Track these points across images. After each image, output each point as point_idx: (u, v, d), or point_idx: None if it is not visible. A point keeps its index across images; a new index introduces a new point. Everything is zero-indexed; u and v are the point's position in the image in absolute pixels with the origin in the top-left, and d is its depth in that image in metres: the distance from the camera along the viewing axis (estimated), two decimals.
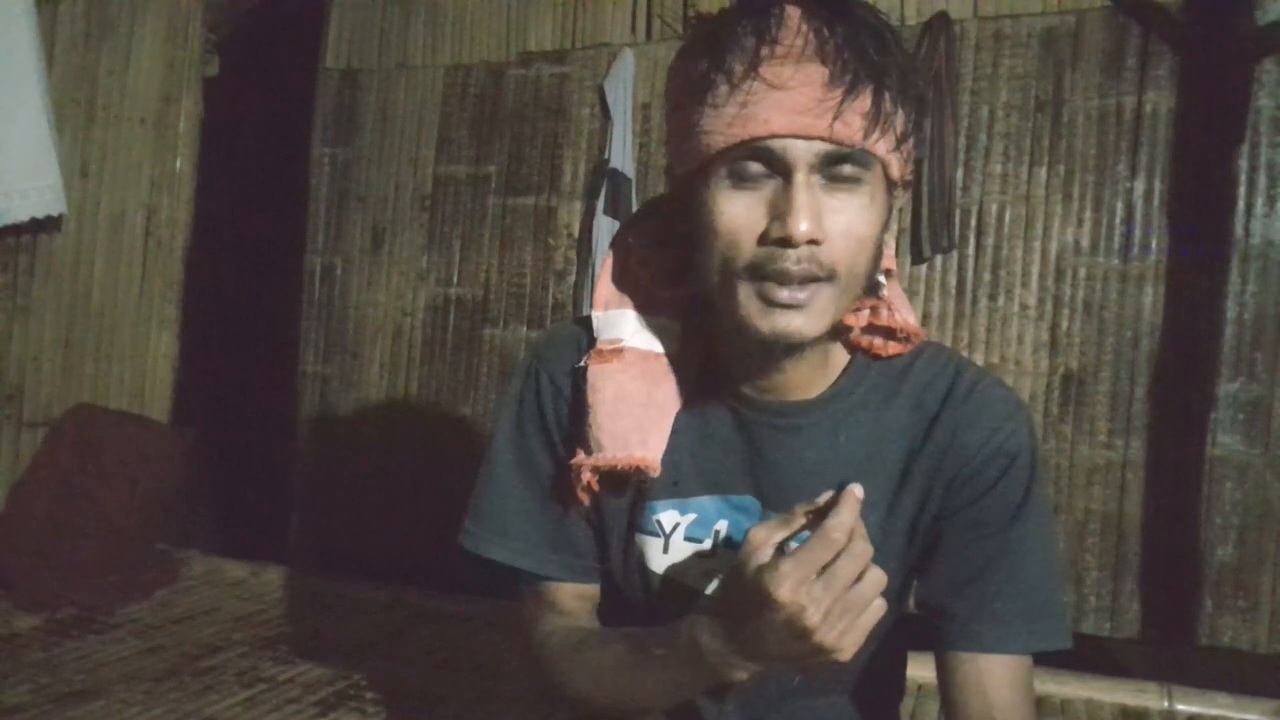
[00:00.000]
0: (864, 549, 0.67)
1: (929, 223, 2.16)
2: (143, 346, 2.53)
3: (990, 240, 2.18)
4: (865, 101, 0.70)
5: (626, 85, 2.43)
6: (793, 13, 0.71)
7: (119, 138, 2.51)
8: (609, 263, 0.91)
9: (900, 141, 0.74)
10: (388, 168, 2.71)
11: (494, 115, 2.61)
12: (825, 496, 0.71)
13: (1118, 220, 2.10)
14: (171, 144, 2.53)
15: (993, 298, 2.17)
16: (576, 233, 2.50)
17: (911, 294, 2.21)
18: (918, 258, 2.20)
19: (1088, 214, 2.12)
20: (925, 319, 2.21)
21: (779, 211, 0.71)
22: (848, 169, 0.72)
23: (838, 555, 0.66)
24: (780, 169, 0.72)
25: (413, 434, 2.65)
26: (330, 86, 2.76)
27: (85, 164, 2.49)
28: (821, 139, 0.70)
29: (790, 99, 0.70)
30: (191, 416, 2.63)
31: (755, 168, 0.72)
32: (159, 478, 2.34)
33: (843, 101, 0.70)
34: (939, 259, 2.20)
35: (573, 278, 2.51)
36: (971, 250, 2.19)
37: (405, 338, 2.68)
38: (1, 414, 2.45)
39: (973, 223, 2.19)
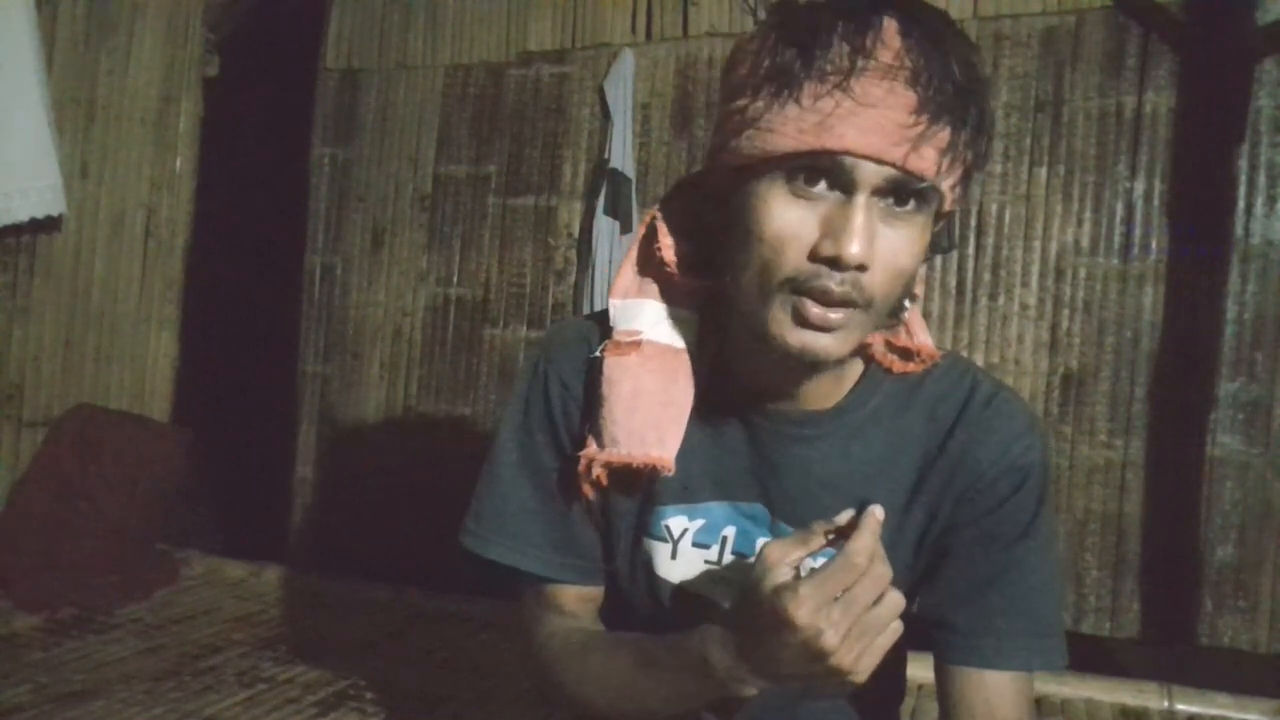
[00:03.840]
0: (884, 572, 0.67)
1: None
2: (143, 346, 2.53)
3: (990, 240, 2.18)
4: (944, 136, 0.68)
5: (626, 85, 2.43)
6: (890, 27, 0.67)
7: (119, 138, 2.51)
8: (636, 247, 0.88)
9: (964, 177, 0.72)
10: (388, 168, 2.71)
11: (494, 115, 2.61)
12: (845, 516, 0.71)
13: (1118, 220, 2.10)
14: (171, 144, 2.53)
15: (993, 298, 2.17)
16: (576, 233, 2.50)
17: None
18: None
19: (1088, 214, 2.12)
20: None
21: (833, 229, 0.68)
22: (906, 197, 0.69)
23: (858, 578, 0.66)
24: (844, 186, 0.69)
25: (413, 434, 2.65)
26: (330, 86, 2.76)
27: (85, 164, 2.49)
28: (894, 166, 0.67)
29: (874, 119, 0.66)
30: (191, 416, 2.63)
31: (814, 177, 0.69)
32: (159, 478, 2.34)
33: (925, 131, 0.67)
34: (939, 259, 2.20)
35: (573, 278, 2.51)
36: (971, 250, 2.19)
37: (405, 338, 2.68)
38: (1, 414, 2.45)
39: (973, 223, 2.19)
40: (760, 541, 0.83)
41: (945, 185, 0.70)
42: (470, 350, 2.62)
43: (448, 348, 2.64)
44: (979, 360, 2.15)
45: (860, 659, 0.66)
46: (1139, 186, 2.09)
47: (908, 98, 0.66)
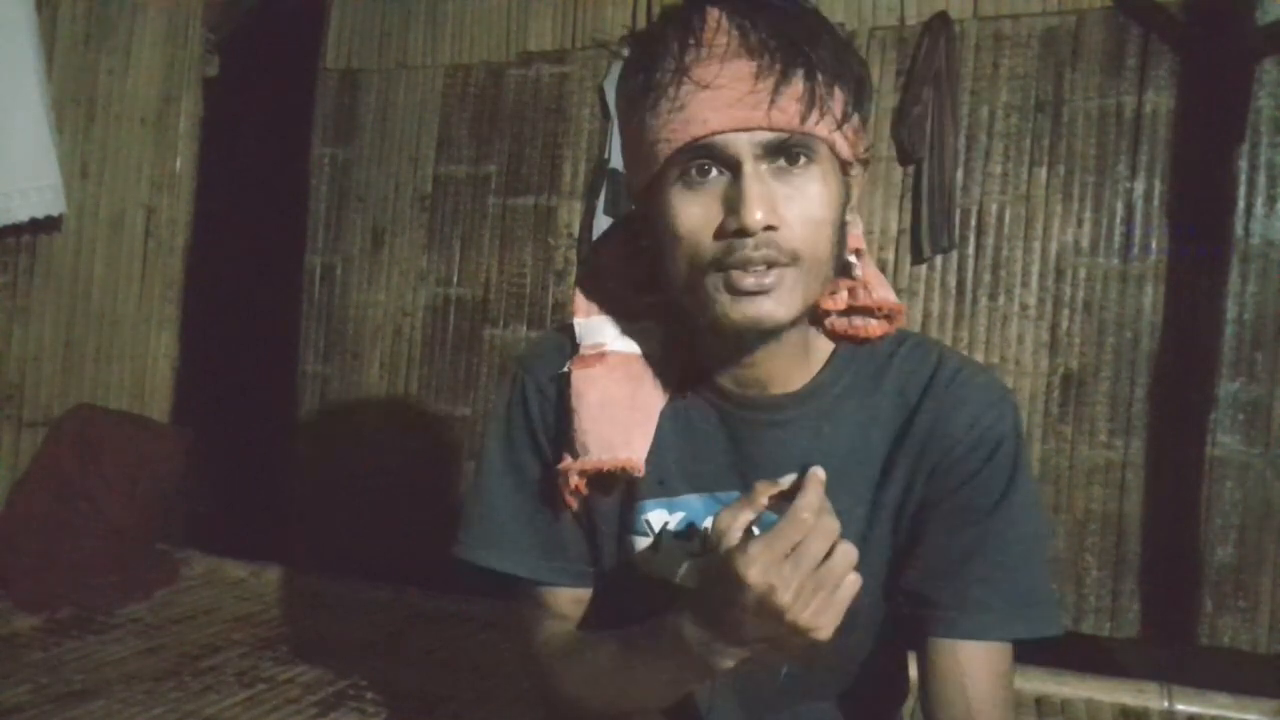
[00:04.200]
0: (831, 525, 0.68)
1: (929, 223, 2.15)
2: (143, 346, 2.53)
3: (990, 240, 2.18)
4: (798, 87, 0.72)
5: None
6: (713, 12, 0.74)
7: (119, 138, 2.51)
8: (581, 278, 0.93)
9: (842, 120, 0.75)
10: (388, 168, 2.71)
11: (494, 115, 2.61)
12: (788, 479, 0.73)
13: (1118, 220, 2.10)
14: (171, 144, 2.53)
15: (993, 298, 2.17)
16: (576, 233, 2.50)
17: (911, 294, 2.21)
18: (918, 258, 2.20)
19: (1088, 214, 2.12)
20: (925, 319, 2.21)
21: (732, 204, 0.73)
22: (793, 153, 0.74)
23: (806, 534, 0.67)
24: (727, 164, 0.74)
25: (413, 434, 2.65)
26: (330, 86, 2.76)
27: (85, 164, 2.49)
28: (761, 128, 0.72)
29: (722, 95, 0.72)
30: (191, 416, 2.63)
31: (704, 167, 0.75)
32: (159, 478, 2.34)
33: (775, 90, 0.71)
34: (939, 259, 2.20)
35: (572, 278, 2.51)
36: (971, 250, 2.19)
37: (405, 338, 2.68)
38: (1, 414, 2.45)
39: (973, 223, 2.19)
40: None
41: (823, 131, 0.74)
42: (470, 350, 2.62)
43: (448, 348, 2.64)
44: (979, 361, 2.14)
45: (818, 615, 0.67)
46: (1139, 186, 2.09)
47: (747, 66, 0.72)
